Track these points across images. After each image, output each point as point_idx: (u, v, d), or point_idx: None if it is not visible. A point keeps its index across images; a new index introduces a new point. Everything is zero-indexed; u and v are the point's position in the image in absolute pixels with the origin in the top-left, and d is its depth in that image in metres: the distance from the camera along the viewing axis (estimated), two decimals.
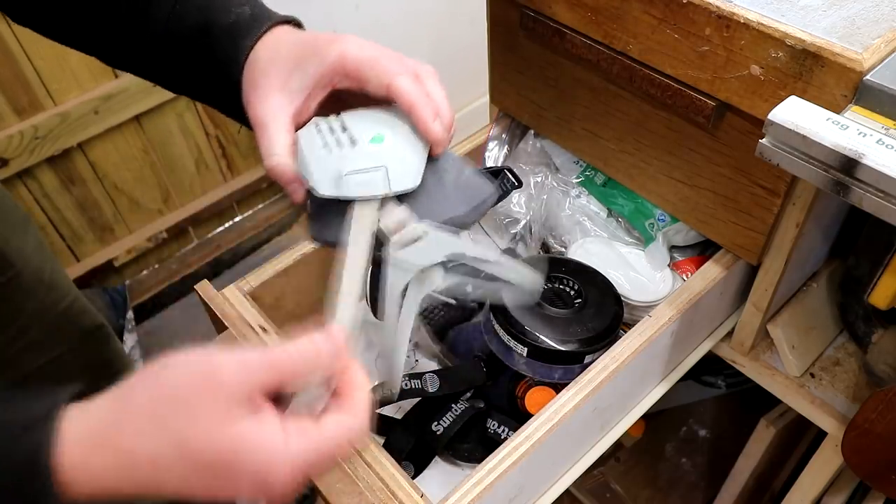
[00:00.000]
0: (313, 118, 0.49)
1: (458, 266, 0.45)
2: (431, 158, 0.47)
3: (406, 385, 0.66)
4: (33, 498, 0.33)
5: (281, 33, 0.50)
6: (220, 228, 1.65)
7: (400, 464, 0.56)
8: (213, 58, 0.50)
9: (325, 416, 0.37)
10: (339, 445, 0.37)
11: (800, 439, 1.00)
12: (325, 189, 0.44)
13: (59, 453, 0.33)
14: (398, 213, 0.45)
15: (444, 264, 0.45)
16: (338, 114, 0.49)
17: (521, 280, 0.47)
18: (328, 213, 0.46)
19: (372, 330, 0.46)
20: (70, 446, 0.33)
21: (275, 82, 0.47)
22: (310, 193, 0.46)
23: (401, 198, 0.45)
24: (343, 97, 0.50)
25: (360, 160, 0.45)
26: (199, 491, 0.34)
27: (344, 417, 0.37)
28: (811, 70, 0.51)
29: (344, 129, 0.47)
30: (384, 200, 0.45)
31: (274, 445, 0.34)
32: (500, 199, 0.71)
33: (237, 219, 1.67)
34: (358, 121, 0.48)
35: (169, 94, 1.37)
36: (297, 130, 0.48)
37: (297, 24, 0.52)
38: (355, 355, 0.39)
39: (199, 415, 0.34)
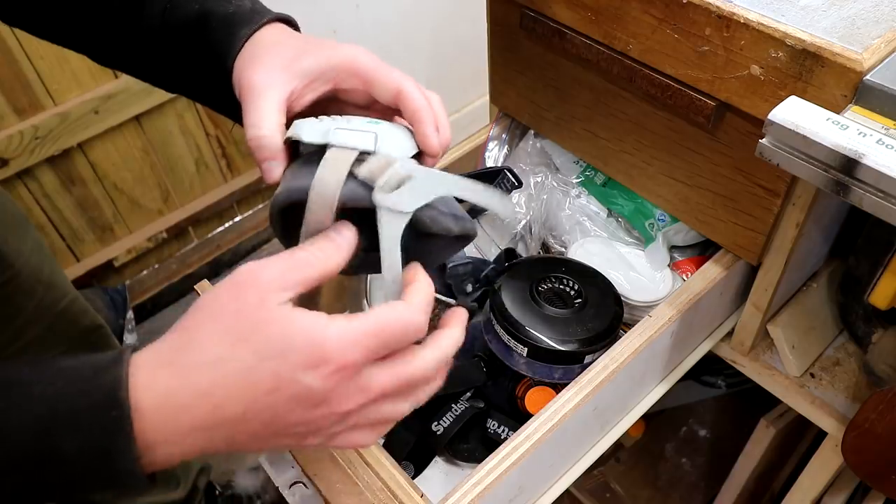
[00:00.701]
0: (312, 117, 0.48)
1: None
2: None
3: None
4: (112, 431, 0.34)
5: (282, 30, 0.50)
6: (220, 228, 1.65)
7: (400, 464, 0.57)
8: (209, 48, 0.49)
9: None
10: (392, 327, 0.37)
11: (800, 439, 1.00)
12: (310, 136, 0.42)
13: (133, 386, 0.34)
14: (380, 157, 0.42)
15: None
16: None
17: (500, 208, 0.47)
18: (306, 166, 0.43)
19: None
20: (140, 375, 0.35)
21: (278, 59, 0.46)
22: (287, 166, 0.45)
23: None
24: (337, 103, 0.50)
25: (353, 124, 0.44)
26: (265, 381, 0.35)
27: (396, 303, 0.39)
28: (811, 70, 0.51)
29: (341, 116, 0.47)
30: (362, 156, 0.42)
31: (326, 323, 0.36)
32: None
33: (237, 219, 1.67)
34: (355, 117, 0.48)
35: (169, 94, 1.36)
36: (288, 117, 0.46)
37: (295, 25, 0.52)
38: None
39: (243, 309, 0.36)
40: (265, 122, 0.44)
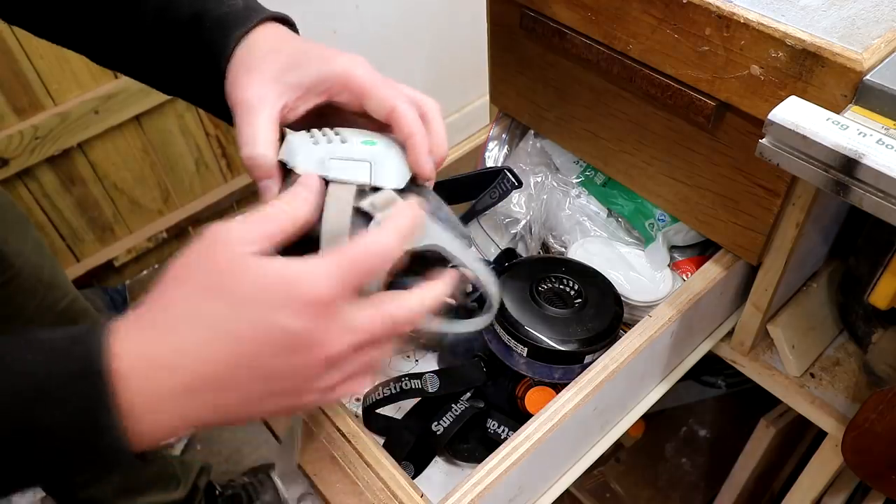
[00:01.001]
0: (307, 130, 0.48)
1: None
2: (413, 187, 0.46)
3: (406, 385, 0.66)
4: (92, 401, 0.32)
5: (277, 30, 0.49)
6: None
7: (400, 464, 0.57)
8: (202, 49, 0.48)
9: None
10: (362, 252, 0.37)
11: (800, 439, 1.00)
12: (305, 166, 0.43)
13: (112, 353, 0.33)
14: (386, 192, 0.43)
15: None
16: (330, 128, 0.48)
17: (485, 279, 0.46)
18: None
19: None
20: (117, 341, 0.34)
21: (270, 71, 0.46)
22: (282, 186, 0.45)
23: None
24: (331, 115, 0.49)
25: (348, 152, 0.44)
26: (243, 330, 0.34)
27: (368, 233, 0.39)
28: (811, 70, 0.51)
29: (336, 134, 0.47)
30: (362, 190, 0.43)
31: (296, 263, 0.35)
32: (500, 198, 0.72)
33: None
34: (352, 130, 0.47)
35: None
36: (281, 129, 0.46)
37: (291, 24, 0.51)
38: None
39: (214, 266, 0.35)
40: (258, 141, 0.44)
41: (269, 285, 0.34)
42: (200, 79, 0.50)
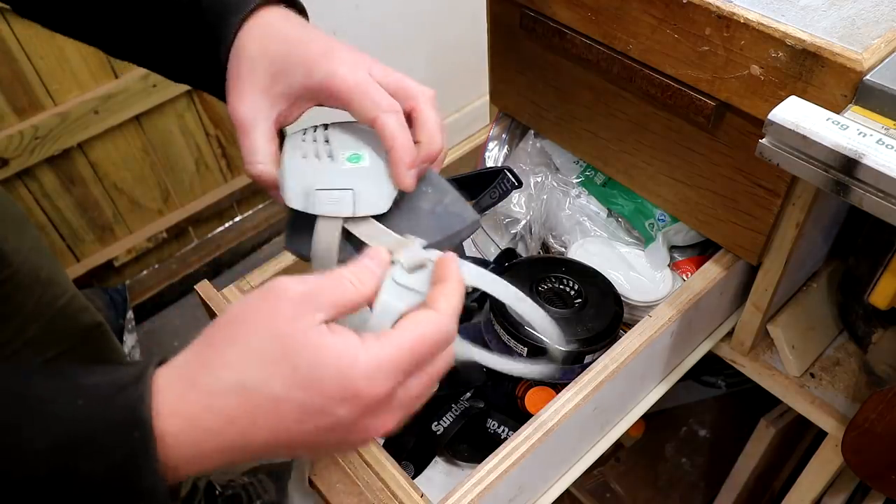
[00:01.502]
0: (305, 125, 0.48)
1: None
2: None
3: None
4: (134, 452, 0.32)
5: (272, 17, 0.48)
6: (220, 228, 1.65)
7: (400, 464, 0.56)
8: (202, 35, 0.49)
9: (406, 317, 0.37)
10: (423, 341, 0.36)
11: (800, 439, 1.00)
12: (294, 203, 0.45)
13: (156, 408, 0.33)
14: (416, 252, 0.43)
15: None
16: (326, 126, 0.49)
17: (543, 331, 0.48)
18: (302, 225, 0.46)
19: None
20: (163, 396, 0.33)
21: (259, 82, 0.46)
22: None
23: (377, 218, 0.45)
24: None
25: (333, 178, 0.45)
26: (291, 410, 0.34)
27: (425, 313, 0.37)
28: (811, 70, 0.51)
29: (326, 141, 0.47)
30: (349, 220, 0.45)
31: (350, 343, 0.34)
32: (500, 198, 0.72)
33: (237, 219, 1.67)
34: (342, 136, 0.48)
35: (169, 94, 1.36)
36: (281, 130, 0.48)
37: (294, 4, 0.51)
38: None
39: (275, 332, 0.34)
40: (258, 157, 0.46)
41: (326, 375, 0.34)
42: (204, 67, 0.50)
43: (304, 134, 0.48)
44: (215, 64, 0.48)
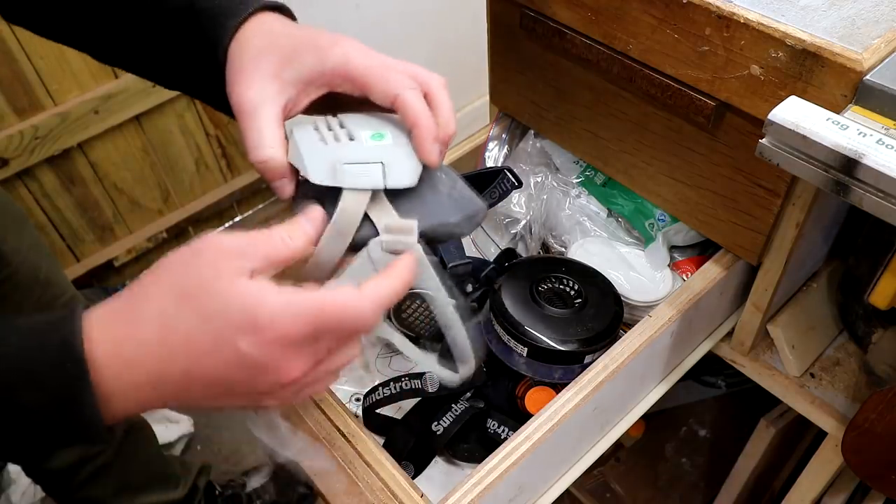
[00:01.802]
0: (310, 116, 0.47)
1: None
2: (427, 168, 0.46)
3: (406, 385, 0.66)
4: (70, 382, 0.34)
5: (271, 20, 0.48)
6: (220, 228, 1.65)
7: (400, 464, 0.57)
8: (197, 40, 0.48)
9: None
10: (334, 306, 0.37)
11: (800, 439, 1.00)
12: (319, 177, 0.43)
13: (87, 338, 0.35)
14: (404, 225, 0.44)
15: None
16: (334, 114, 0.48)
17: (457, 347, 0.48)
18: (318, 203, 0.45)
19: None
20: (92, 328, 0.35)
21: (267, 68, 0.45)
22: (298, 189, 0.45)
23: (395, 198, 0.45)
24: (335, 99, 0.48)
25: (359, 153, 0.44)
26: (204, 343, 0.36)
27: (348, 289, 0.38)
28: (811, 70, 0.51)
29: (342, 126, 0.46)
30: (375, 195, 0.44)
31: (272, 295, 0.36)
32: (500, 198, 0.72)
33: (237, 219, 1.67)
34: (357, 121, 0.47)
35: (169, 94, 1.36)
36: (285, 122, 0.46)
37: (288, 13, 0.50)
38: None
39: (196, 274, 0.36)
40: (266, 143, 0.44)
41: (238, 308, 0.35)
42: (198, 72, 0.49)
43: (315, 123, 0.47)
44: (209, 69, 0.48)
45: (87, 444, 0.37)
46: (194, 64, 0.49)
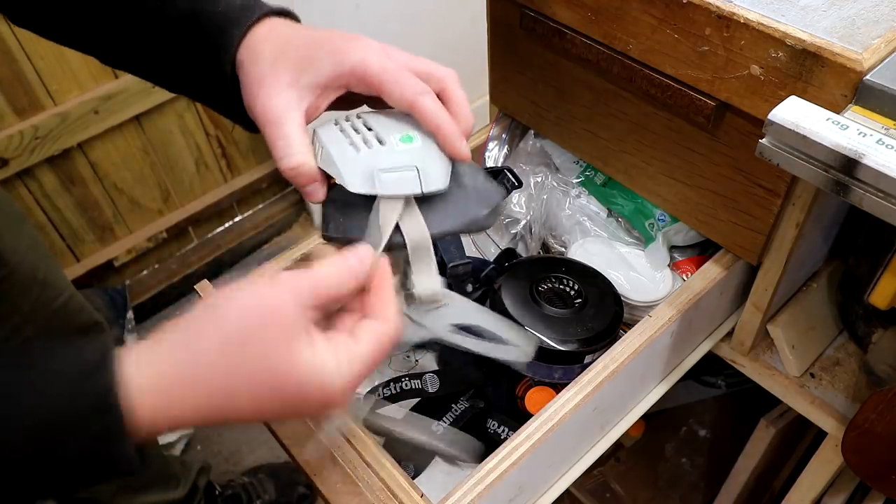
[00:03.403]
0: (333, 116, 0.48)
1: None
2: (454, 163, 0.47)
3: (406, 385, 0.66)
4: (109, 436, 0.35)
5: (279, 26, 0.48)
6: (220, 228, 1.65)
7: (400, 464, 0.56)
8: (202, 48, 0.48)
9: (362, 326, 0.41)
10: (381, 352, 0.41)
11: (800, 439, 1.00)
12: (357, 186, 0.44)
13: (130, 396, 0.35)
14: (433, 283, 0.46)
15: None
16: (358, 116, 0.48)
17: (518, 343, 0.51)
18: (350, 211, 0.46)
19: None
20: (142, 389, 0.36)
21: (284, 77, 0.46)
22: (330, 193, 0.46)
23: (425, 200, 0.46)
24: (352, 96, 0.49)
25: (393, 158, 0.45)
26: (268, 417, 0.40)
27: (378, 325, 0.42)
28: (811, 70, 0.51)
29: (368, 128, 0.47)
30: (407, 201, 0.45)
31: (331, 373, 0.39)
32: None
33: (237, 219, 1.67)
34: (383, 121, 0.47)
35: (169, 94, 1.36)
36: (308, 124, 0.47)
37: (293, 16, 0.51)
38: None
39: (267, 350, 0.37)
40: (294, 150, 0.45)
41: (306, 393, 0.38)
42: (205, 80, 0.50)
43: (337, 125, 0.48)
44: (214, 76, 0.48)
45: (121, 476, 0.39)
46: (199, 71, 0.50)
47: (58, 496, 0.37)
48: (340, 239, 0.46)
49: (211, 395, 0.37)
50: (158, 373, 0.37)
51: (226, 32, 0.47)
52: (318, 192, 0.46)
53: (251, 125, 0.49)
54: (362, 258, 0.42)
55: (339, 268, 0.41)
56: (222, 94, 0.49)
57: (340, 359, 0.39)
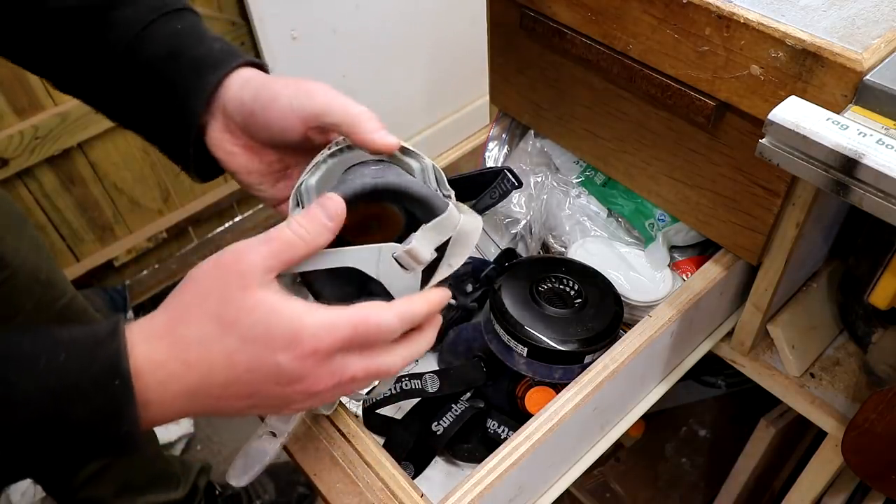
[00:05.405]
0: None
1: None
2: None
3: (406, 385, 0.66)
4: (115, 397, 0.37)
5: (251, 76, 0.50)
6: (220, 228, 1.65)
7: (400, 464, 0.57)
8: (174, 87, 0.49)
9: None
10: (363, 322, 0.41)
11: (800, 439, 1.00)
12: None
13: (131, 354, 0.38)
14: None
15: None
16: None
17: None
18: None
19: None
20: (135, 345, 0.38)
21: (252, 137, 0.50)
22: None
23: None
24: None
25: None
26: (245, 362, 0.39)
27: (379, 304, 0.42)
28: (811, 70, 0.51)
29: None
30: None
31: (299, 310, 0.39)
32: (500, 199, 0.72)
33: (237, 219, 1.67)
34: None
35: None
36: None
37: (263, 68, 0.52)
38: None
39: (229, 294, 0.39)
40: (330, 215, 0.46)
41: (276, 329, 0.39)
42: (166, 119, 0.50)
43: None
44: (179, 112, 0.49)
45: (121, 456, 0.39)
46: (162, 110, 0.50)
47: (67, 466, 0.38)
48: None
49: (188, 346, 0.39)
50: (147, 335, 0.39)
51: (202, 76, 0.49)
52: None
53: (203, 172, 0.52)
54: (332, 212, 0.42)
55: (305, 225, 0.42)
56: (179, 134, 0.50)
57: (312, 306, 0.40)
